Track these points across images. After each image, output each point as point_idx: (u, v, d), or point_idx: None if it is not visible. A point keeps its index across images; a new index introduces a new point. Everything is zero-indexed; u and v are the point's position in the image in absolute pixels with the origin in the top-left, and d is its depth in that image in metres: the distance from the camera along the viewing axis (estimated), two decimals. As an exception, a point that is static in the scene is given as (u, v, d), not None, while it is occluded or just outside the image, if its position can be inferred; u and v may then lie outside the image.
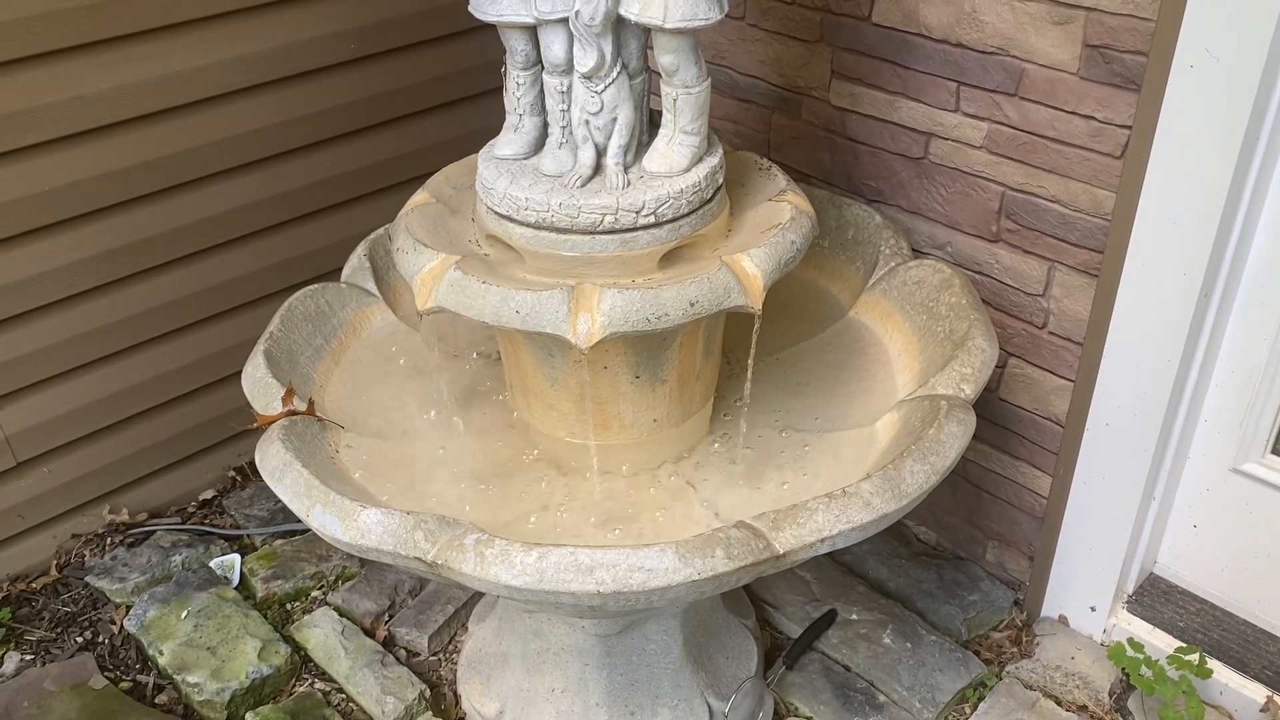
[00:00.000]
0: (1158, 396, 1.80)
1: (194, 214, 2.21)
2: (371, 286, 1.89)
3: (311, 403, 1.62)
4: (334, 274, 2.44)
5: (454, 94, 2.48)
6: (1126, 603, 2.06)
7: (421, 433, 1.70)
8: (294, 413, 1.57)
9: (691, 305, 1.37)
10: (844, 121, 2.05)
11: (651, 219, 1.44)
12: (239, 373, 2.36)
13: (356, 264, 1.92)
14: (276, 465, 1.44)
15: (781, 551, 1.31)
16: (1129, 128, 1.67)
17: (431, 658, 2.10)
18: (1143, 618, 2.03)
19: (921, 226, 2.01)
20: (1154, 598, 2.07)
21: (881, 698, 1.96)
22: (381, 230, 1.96)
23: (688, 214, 1.47)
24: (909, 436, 1.47)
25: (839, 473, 1.57)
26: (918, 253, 2.01)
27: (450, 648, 2.12)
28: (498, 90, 2.49)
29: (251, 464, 2.53)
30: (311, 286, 1.83)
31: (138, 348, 2.26)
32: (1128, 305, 1.77)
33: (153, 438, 2.37)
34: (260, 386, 1.61)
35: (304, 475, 1.41)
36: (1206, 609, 2.04)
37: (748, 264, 1.42)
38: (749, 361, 1.54)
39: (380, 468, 1.60)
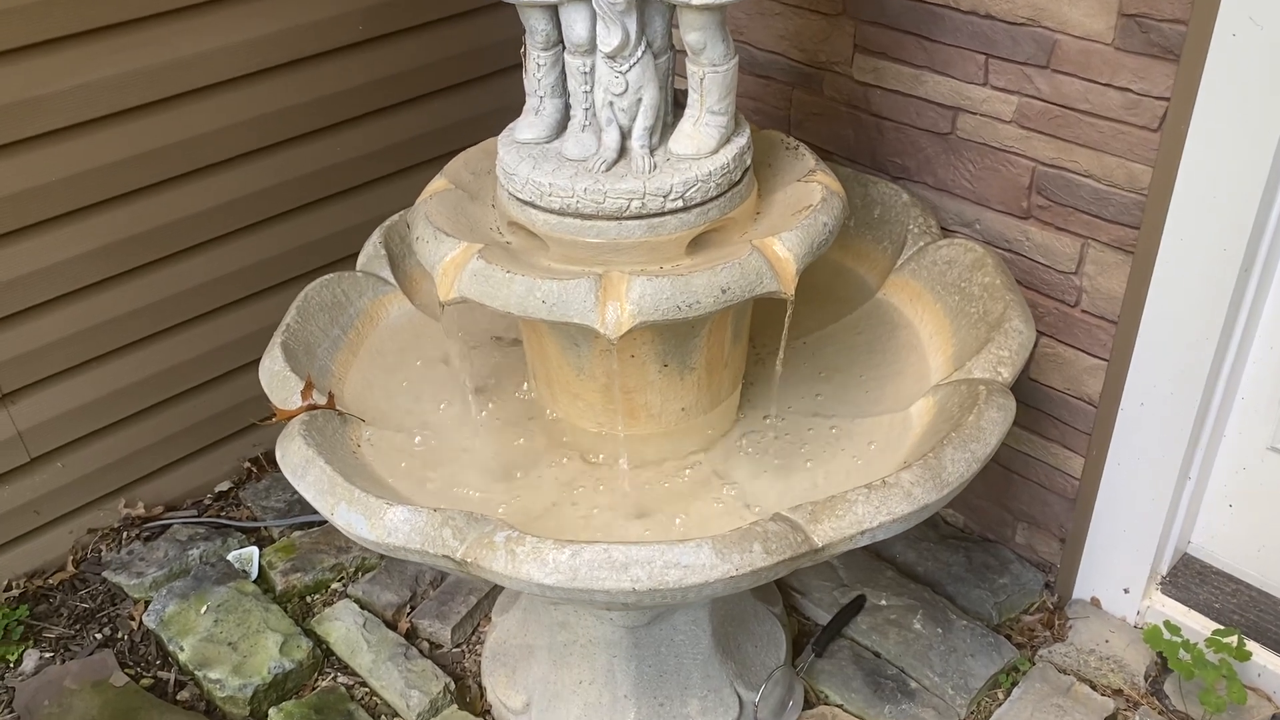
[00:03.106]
0: (1195, 375, 1.76)
1: (202, 202, 2.17)
2: (388, 274, 1.85)
3: (331, 396, 1.58)
4: (349, 259, 2.40)
5: (468, 73, 2.43)
6: (1160, 584, 2.02)
7: (444, 425, 1.66)
8: (314, 407, 1.54)
9: (723, 292, 1.32)
10: (868, 97, 2.00)
11: (679, 203, 1.39)
12: (253, 362, 2.33)
13: (372, 251, 1.88)
14: (299, 462, 1.41)
15: (820, 545, 1.28)
16: (1167, 99, 1.62)
17: (455, 649, 2.08)
18: (1177, 599, 2.00)
19: (949, 204, 1.96)
20: (1188, 579, 2.03)
21: (913, 684, 1.93)
22: (397, 216, 1.92)
23: (716, 197, 1.43)
24: (947, 423, 1.43)
25: (872, 460, 1.53)
26: (946, 231, 1.97)
27: (474, 639, 2.10)
28: (513, 68, 2.44)
29: (268, 455, 2.50)
30: (327, 276, 1.79)
31: (149, 339, 2.23)
32: (1164, 282, 1.72)
33: (167, 430, 2.34)
34: (278, 380, 1.57)
35: (327, 472, 1.37)
36: (1242, 589, 2.00)
37: (779, 248, 1.38)
38: (780, 347, 1.49)
39: (403, 462, 1.56)
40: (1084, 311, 1.86)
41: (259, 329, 2.34)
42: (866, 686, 1.92)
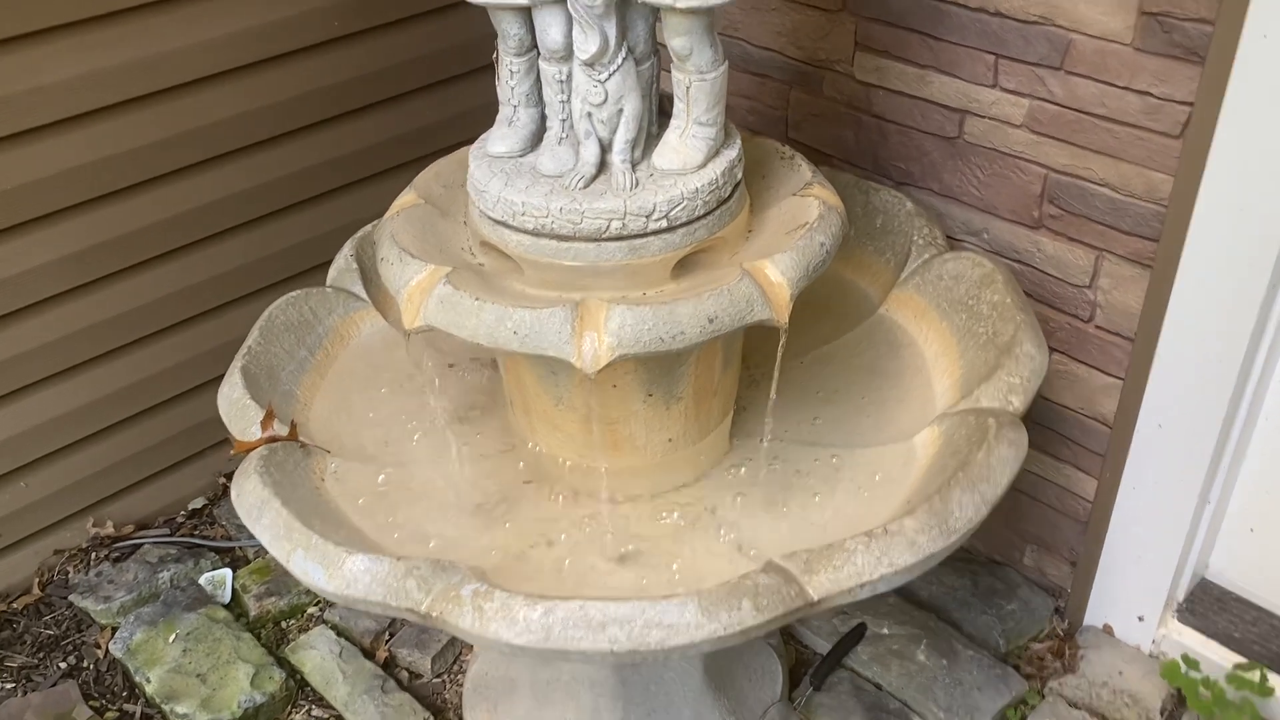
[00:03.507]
0: (1218, 397, 1.65)
1: (171, 209, 2.06)
2: (359, 290, 1.74)
3: (294, 425, 1.48)
4: (324, 267, 2.30)
5: (447, 71, 2.31)
6: (1177, 611, 1.92)
7: (414, 455, 1.56)
8: (274, 439, 1.44)
9: (710, 322, 1.22)
10: (869, 98, 1.88)
11: (664, 223, 1.28)
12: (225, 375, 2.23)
13: (343, 265, 1.77)
14: (253, 504, 1.30)
15: (816, 598, 1.17)
16: (1190, 104, 1.51)
17: (435, 679, 1.98)
18: (1195, 628, 1.90)
19: (955, 211, 1.85)
20: (1206, 605, 1.93)
21: (915, 719, 1.83)
22: (370, 227, 1.81)
23: (704, 216, 1.32)
24: (954, 458, 1.32)
25: (874, 495, 1.42)
26: (952, 240, 1.86)
27: (455, 669, 2.00)
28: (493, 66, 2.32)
29: (243, 469, 2.40)
30: (293, 293, 1.68)
31: (117, 352, 2.12)
32: (1185, 299, 1.61)
33: (137, 445, 2.24)
34: (237, 409, 1.47)
35: (283, 515, 1.27)
36: (1264, 617, 1.90)
37: (772, 271, 1.27)
38: (774, 375, 1.38)
39: (370, 498, 1.46)
40: (1098, 327, 1.76)
41: (232, 339, 2.20)
42: (867, 722, 1.83)
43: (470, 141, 2.32)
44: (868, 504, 1.41)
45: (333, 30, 2.11)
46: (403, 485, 1.50)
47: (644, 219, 1.27)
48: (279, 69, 2.08)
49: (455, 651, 2.01)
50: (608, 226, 1.26)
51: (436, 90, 2.31)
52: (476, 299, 1.24)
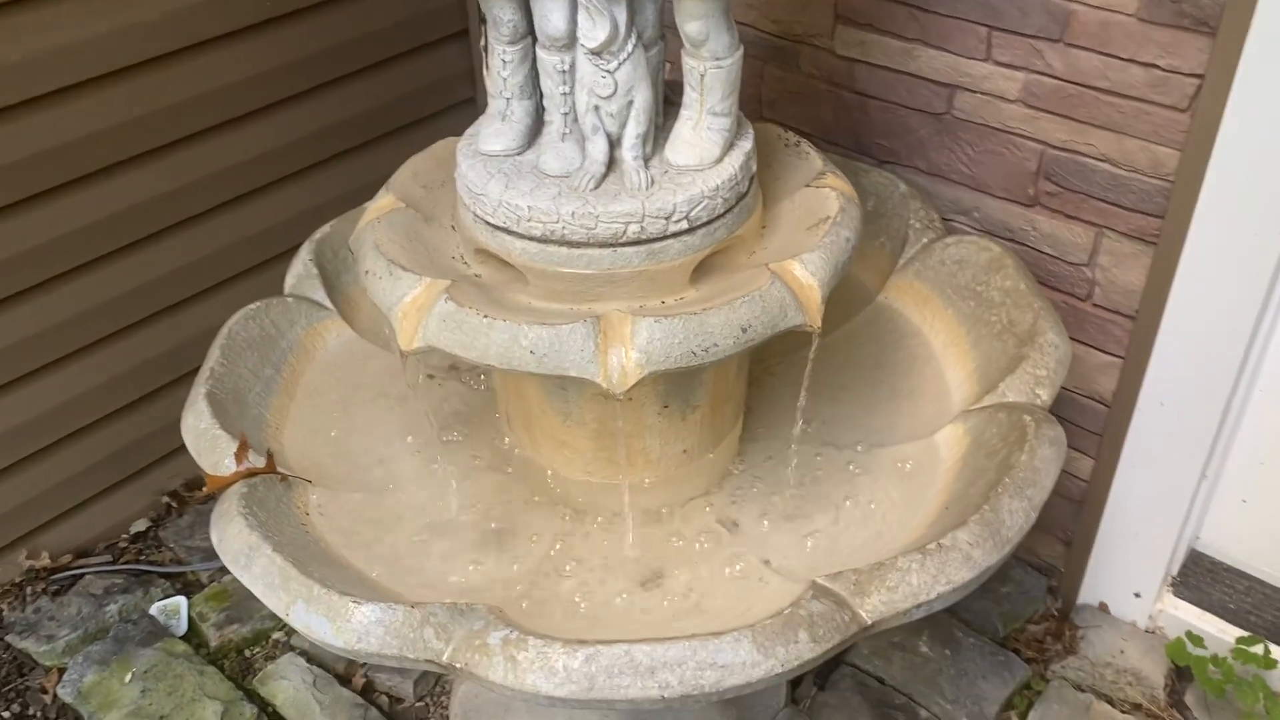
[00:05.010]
0: (1222, 373, 1.63)
1: (97, 211, 1.88)
2: (322, 297, 1.61)
3: (270, 455, 1.34)
4: (268, 264, 2.14)
5: (402, 46, 2.14)
6: (1171, 584, 1.91)
7: (403, 478, 1.44)
8: (252, 472, 1.30)
9: (744, 331, 1.12)
10: (851, 73, 1.80)
11: (684, 224, 1.18)
12: (164, 387, 2.07)
13: (302, 271, 1.63)
14: (241, 549, 1.18)
15: (870, 622, 1.10)
16: (1199, 77, 1.46)
17: (418, 704, 1.87)
18: (1190, 601, 1.89)
19: (944, 190, 1.79)
20: (1199, 578, 1.92)
21: (923, 713, 1.79)
22: (328, 228, 1.67)
23: (723, 214, 1.22)
24: (990, 459, 1.26)
25: (900, 499, 1.35)
26: (945, 220, 1.79)
27: (438, 690, 1.89)
28: (455, 37, 2.15)
29: (188, 485, 2.24)
30: (253, 306, 1.53)
31: (44, 370, 1.95)
32: (1191, 276, 1.58)
33: (69, 468, 2.06)
34: (207, 441, 1.33)
35: (277, 563, 1.15)
36: (1256, 586, 1.90)
37: (801, 273, 1.18)
38: (803, 387, 1.30)
39: (360, 532, 1.33)
40: (1096, 305, 1.71)
41: (168, 350, 2.08)
42: (874, 719, 1.78)
43: (423, 124, 2.16)
44: (896, 510, 1.34)
45: (267, 10, 1.94)
46: (394, 515, 1.38)
47: (664, 220, 1.17)
48: (208, 55, 1.91)
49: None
50: (625, 230, 1.16)
51: (390, 67, 2.14)
52: (485, 316, 1.12)
